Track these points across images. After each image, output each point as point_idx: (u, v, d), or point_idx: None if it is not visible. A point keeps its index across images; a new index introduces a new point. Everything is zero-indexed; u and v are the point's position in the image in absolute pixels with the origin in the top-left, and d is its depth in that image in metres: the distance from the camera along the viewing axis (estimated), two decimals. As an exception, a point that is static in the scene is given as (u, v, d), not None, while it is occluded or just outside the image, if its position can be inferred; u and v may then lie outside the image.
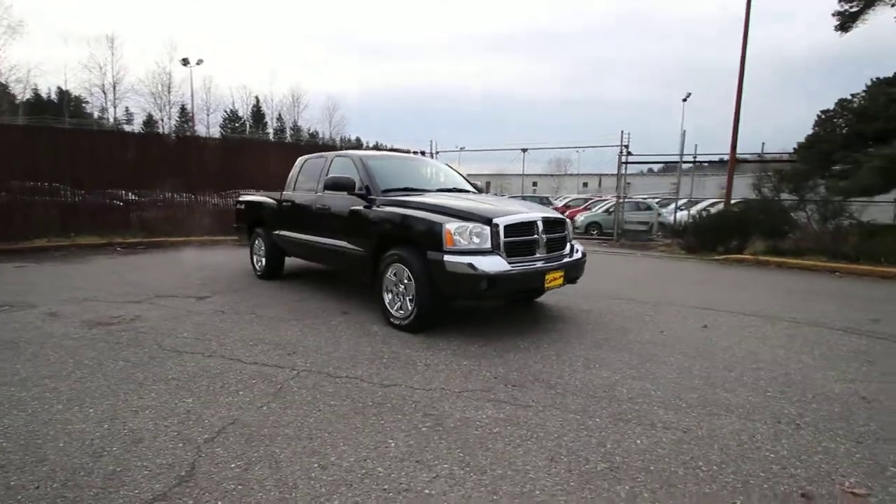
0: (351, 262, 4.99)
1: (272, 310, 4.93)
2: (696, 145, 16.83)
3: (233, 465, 2.15)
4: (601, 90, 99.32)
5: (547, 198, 23.22)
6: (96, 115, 48.52)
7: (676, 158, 13.58)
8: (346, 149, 15.36)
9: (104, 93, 45.86)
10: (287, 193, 6.14)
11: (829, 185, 9.47)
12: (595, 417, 2.65)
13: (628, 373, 3.33)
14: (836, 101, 10.86)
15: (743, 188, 14.10)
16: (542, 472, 2.13)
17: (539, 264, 4.15)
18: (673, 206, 18.60)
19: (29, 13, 64.69)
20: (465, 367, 3.39)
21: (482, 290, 3.79)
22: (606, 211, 16.41)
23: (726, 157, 12.89)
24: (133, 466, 2.13)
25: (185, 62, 34.48)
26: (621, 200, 14.08)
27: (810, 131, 11.07)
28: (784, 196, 10.23)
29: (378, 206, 4.57)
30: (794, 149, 11.31)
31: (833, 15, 10.25)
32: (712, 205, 16.33)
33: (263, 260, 6.55)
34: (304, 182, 5.93)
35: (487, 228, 3.92)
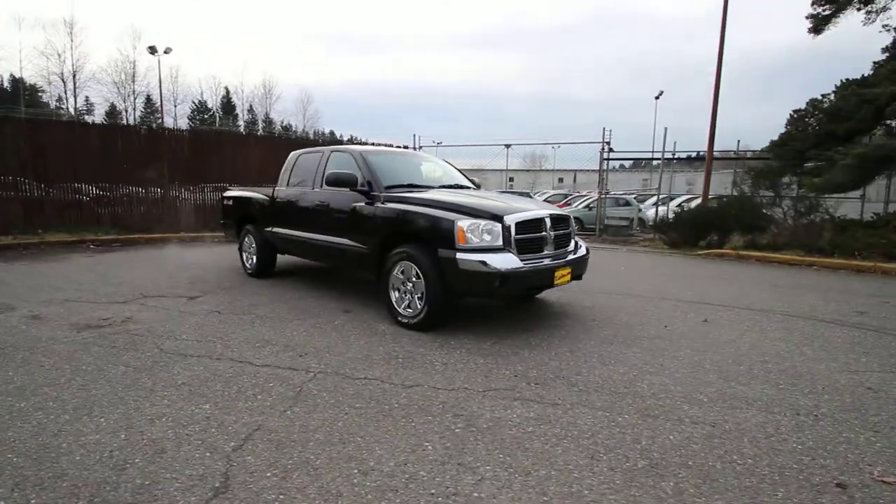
0: (352, 259, 4.89)
1: (271, 309, 4.79)
2: (675, 142, 17.24)
3: (269, 474, 2.07)
4: (568, 88, 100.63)
5: (528, 193, 23.39)
6: (53, 104, 46.17)
7: (655, 155, 13.86)
8: (323, 143, 15.06)
9: (63, 81, 43.71)
10: (280, 189, 5.96)
11: (804, 182, 9.84)
12: (623, 414, 2.67)
13: (644, 368, 3.37)
14: (808, 100, 11.30)
15: (716, 184, 14.55)
16: (585, 472, 2.13)
17: (548, 261, 4.16)
18: (649, 201, 19.11)
19: (-26, -8, 60.69)
20: (482, 365, 3.37)
21: (495, 288, 3.77)
22: (587, 207, 16.62)
23: (704, 153, 13.25)
24: (162, 479, 2.02)
25: (153, 50, 33.07)
26: (603, 196, 14.30)
27: (765, 131, 11.49)
28: (762, 192, 10.58)
29: (382, 203, 4.48)
30: (767, 148, 11.72)
31: (807, 17, 10.63)
32: (687, 201, 16.78)
33: (254, 258, 6.36)
34: (299, 177, 5.77)
35: (499, 226, 3.90)
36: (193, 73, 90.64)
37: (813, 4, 10.48)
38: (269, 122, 56.91)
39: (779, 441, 2.43)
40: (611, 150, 13.85)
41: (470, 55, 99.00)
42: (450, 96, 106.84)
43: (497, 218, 3.93)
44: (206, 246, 9.74)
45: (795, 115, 11.69)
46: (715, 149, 13.40)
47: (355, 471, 2.10)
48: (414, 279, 4.08)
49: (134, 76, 45.99)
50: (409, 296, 4.16)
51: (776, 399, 2.92)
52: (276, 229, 5.92)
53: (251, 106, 57.94)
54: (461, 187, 5.30)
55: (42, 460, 2.14)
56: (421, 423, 2.53)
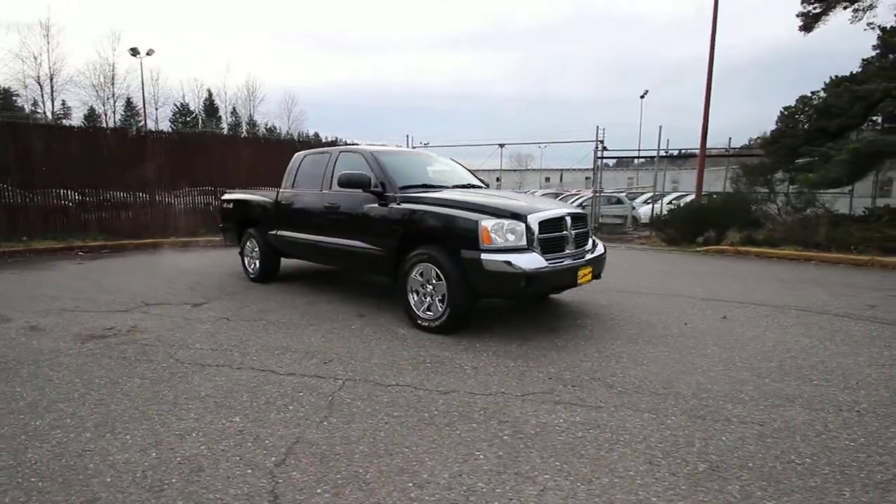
0: (365, 262, 4.77)
1: (282, 314, 4.64)
2: (667, 140, 17.41)
3: (319, 490, 1.95)
4: (554, 87, 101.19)
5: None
6: (28, 108, 44.81)
7: (650, 153, 13.96)
8: (308, 145, 14.81)
9: (39, 85, 42.26)
10: (286, 191, 5.80)
11: (798, 178, 9.98)
12: (671, 416, 2.61)
13: (676, 367, 3.32)
14: (798, 97, 11.49)
15: (706, 181, 14.72)
16: (648, 478, 2.06)
17: (570, 261, 4.10)
18: (639, 199, 19.28)
19: (-56, -6, 58.66)
20: (514, 368, 3.29)
21: (521, 289, 3.69)
22: (581, 206, 16.68)
23: (696, 151, 13.38)
24: (205, 500, 1.89)
25: (135, 52, 32.33)
26: (597, 195, 14.35)
27: (758, 128, 11.68)
28: (758, 188, 10.71)
29: (398, 204, 4.37)
30: (751, 142, 11.89)
31: (797, 16, 10.81)
32: (679, 198, 16.95)
33: (257, 262, 6.19)
34: (305, 179, 5.61)
35: (522, 225, 3.82)
36: (175, 76, 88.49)
37: (803, 3, 10.66)
38: (252, 124, 56.03)
39: (830, 439, 2.39)
40: (604, 148, 13.92)
41: (454, 57, 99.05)
42: (435, 97, 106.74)
43: (520, 217, 3.85)
44: (200, 250, 9.50)
45: (786, 113, 11.85)
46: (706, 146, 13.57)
47: (409, 484, 2.00)
48: (434, 281, 3.98)
49: (113, 79, 44.80)
50: (429, 298, 4.05)
51: (815, 396, 2.89)
52: (281, 233, 5.76)
53: (234, 108, 56.95)
54: (473, 187, 5.22)
55: (70, 483, 2.00)
56: (466, 431, 2.44)
